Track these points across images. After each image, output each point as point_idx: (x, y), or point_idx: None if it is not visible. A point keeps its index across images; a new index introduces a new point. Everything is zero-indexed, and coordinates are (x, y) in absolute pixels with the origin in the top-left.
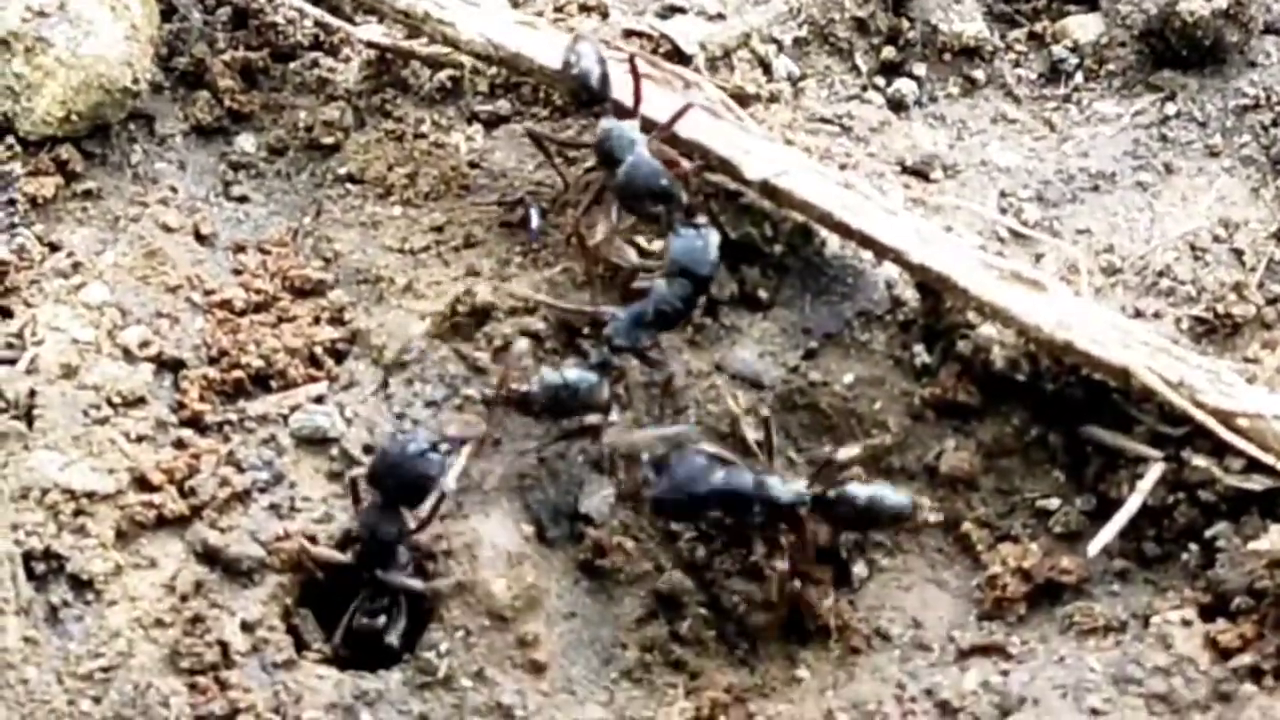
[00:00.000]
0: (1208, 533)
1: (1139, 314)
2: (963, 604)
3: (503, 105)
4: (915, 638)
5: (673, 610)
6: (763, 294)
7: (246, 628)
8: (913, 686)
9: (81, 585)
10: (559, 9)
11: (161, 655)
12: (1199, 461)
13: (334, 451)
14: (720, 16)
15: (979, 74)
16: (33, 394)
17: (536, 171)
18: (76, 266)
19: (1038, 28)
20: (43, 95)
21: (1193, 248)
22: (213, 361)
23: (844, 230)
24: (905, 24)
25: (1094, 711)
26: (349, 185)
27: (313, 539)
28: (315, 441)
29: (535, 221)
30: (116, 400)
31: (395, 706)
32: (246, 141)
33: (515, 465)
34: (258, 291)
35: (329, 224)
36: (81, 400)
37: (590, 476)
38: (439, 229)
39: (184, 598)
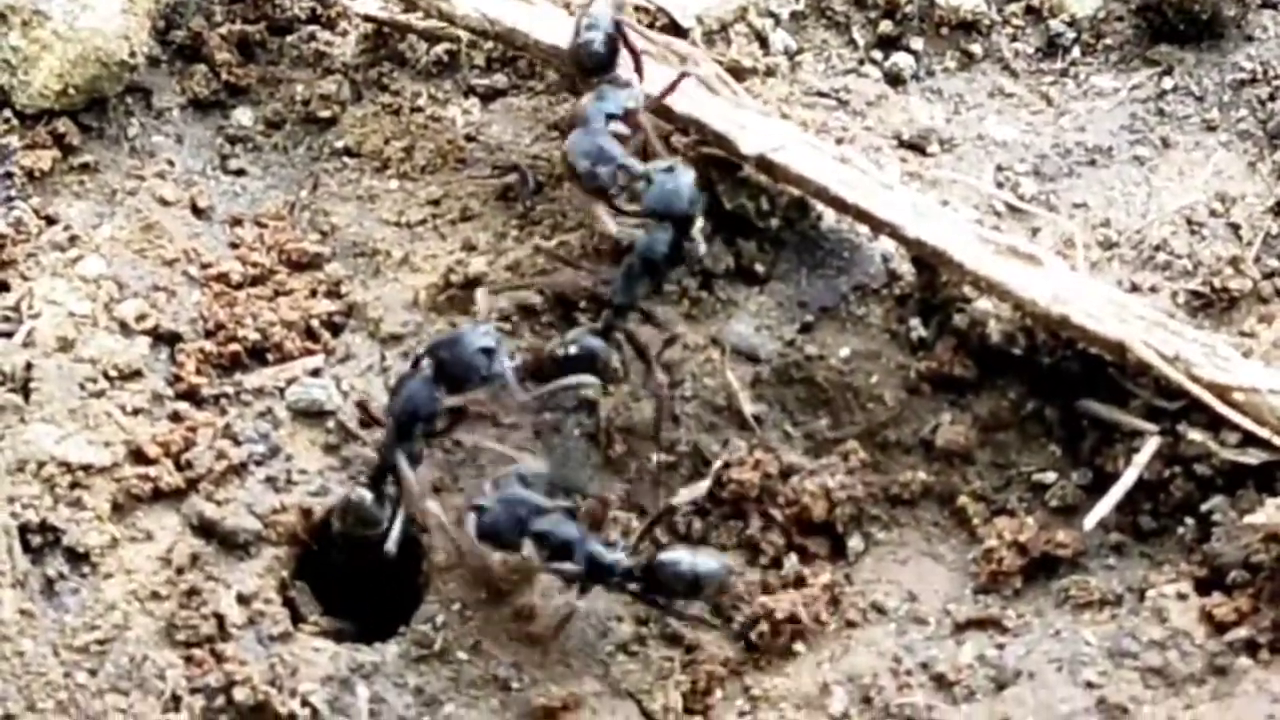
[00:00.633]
0: (1203, 507)
1: (1135, 288)
2: (959, 577)
3: (499, 79)
4: (911, 611)
5: None
6: (759, 268)
7: (242, 600)
8: (909, 660)
9: (77, 558)
10: None
11: (157, 628)
12: (1195, 435)
13: (330, 424)
14: None
15: (976, 48)
16: (29, 367)
17: (534, 145)
18: (73, 240)
19: (1035, 2)
20: (40, 68)
21: (1189, 222)
22: (209, 335)
23: (840, 204)
24: None
25: (1089, 685)
26: (346, 159)
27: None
28: (312, 414)
29: (529, 185)
30: (113, 373)
31: (391, 679)
32: (243, 115)
33: (511, 437)
34: (254, 265)
35: (326, 197)
36: (78, 373)
37: (586, 449)
38: (435, 202)
39: (180, 570)
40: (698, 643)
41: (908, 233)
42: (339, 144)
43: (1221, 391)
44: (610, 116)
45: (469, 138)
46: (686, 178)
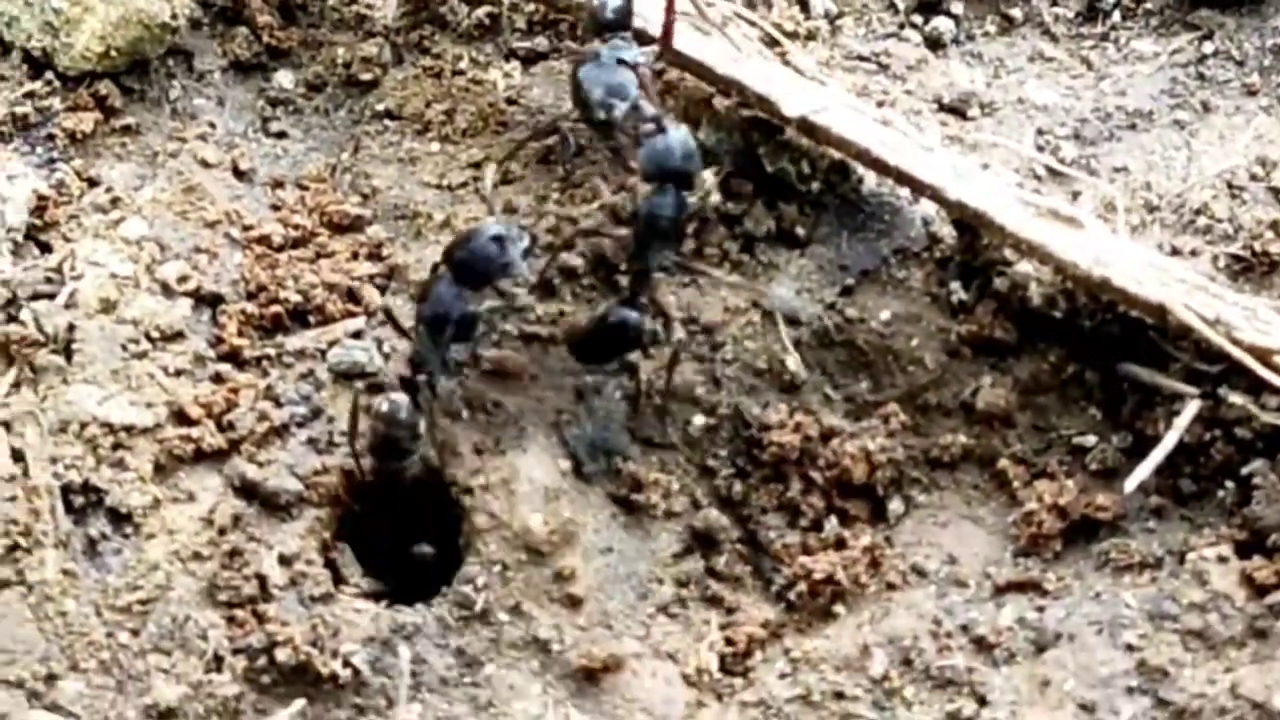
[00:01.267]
0: (1244, 470)
1: (1176, 251)
2: (999, 540)
3: (540, 42)
4: (951, 574)
5: (709, 546)
6: (800, 231)
7: (284, 561)
8: (949, 622)
9: (120, 519)
10: None
11: (199, 588)
12: (1235, 399)
13: (371, 386)
14: None
15: (1016, 12)
16: (72, 328)
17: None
18: (115, 202)
19: None
20: (82, 31)
21: (1230, 186)
22: (251, 296)
23: (881, 167)
24: None
25: (1129, 647)
26: (387, 121)
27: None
28: (353, 376)
29: (570, 148)
30: (155, 335)
31: (432, 640)
32: (285, 78)
33: (552, 401)
34: (296, 227)
35: (367, 160)
36: (120, 335)
37: (626, 412)
38: (476, 165)
39: (222, 531)
40: (738, 605)
41: (949, 195)
42: (380, 107)
43: (1262, 355)
44: (620, 62)
45: (510, 100)
46: (677, 135)
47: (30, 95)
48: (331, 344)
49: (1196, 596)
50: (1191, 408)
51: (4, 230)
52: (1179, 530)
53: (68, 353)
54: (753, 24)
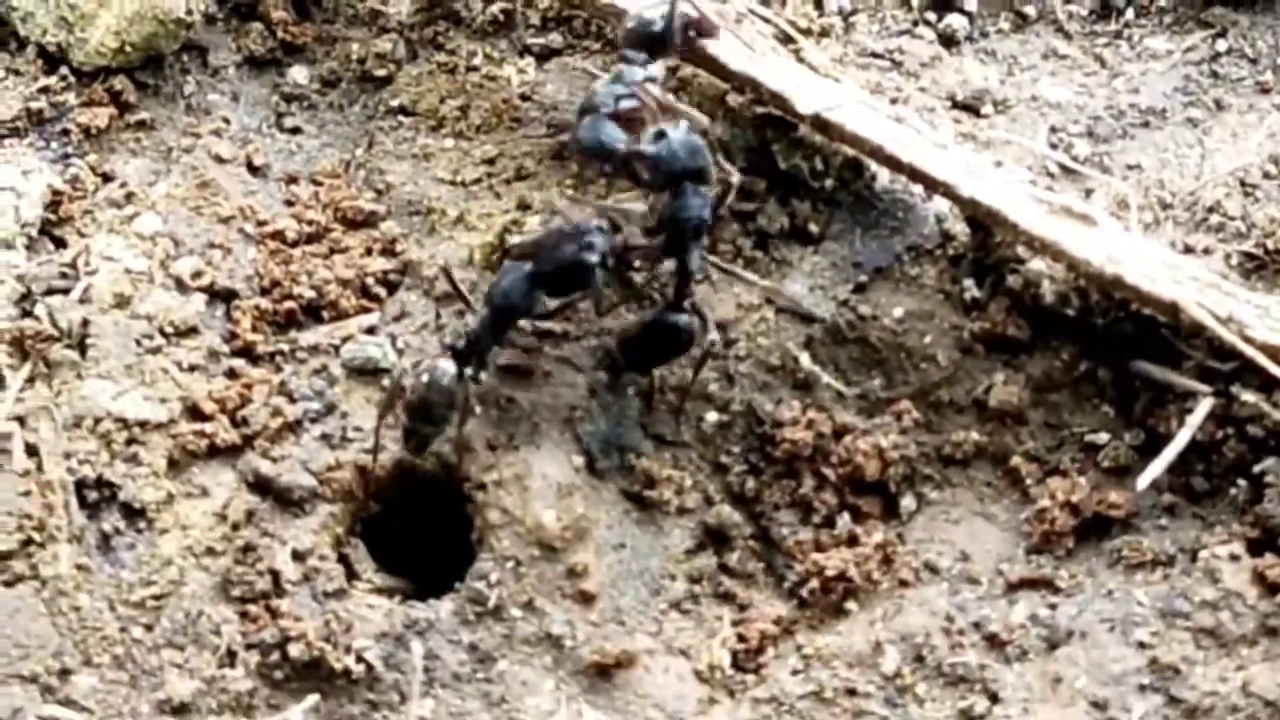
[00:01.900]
0: (1256, 468)
1: (1189, 249)
2: (1011, 537)
3: (555, 38)
4: (964, 570)
5: (721, 542)
6: (813, 228)
7: (298, 556)
8: (961, 619)
9: (134, 513)
10: None
11: (213, 583)
12: (1248, 397)
13: (385, 382)
14: None
15: (1030, 9)
16: (86, 323)
17: None
18: (130, 197)
19: None
20: (97, 26)
21: (1243, 184)
22: (265, 292)
23: (894, 164)
24: None
25: (1141, 645)
26: (401, 117)
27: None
28: (367, 372)
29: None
30: (169, 330)
31: (445, 636)
32: (299, 73)
33: (565, 397)
34: (310, 222)
35: (381, 156)
36: (134, 330)
37: (640, 408)
38: (490, 161)
39: (235, 526)
40: (750, 601)
41: (962, 192)
42: (394, 102)
43: (1275, 353)
44: (620, 97)
45: (524, 97)
46: (678, 136)
47: (45, 90)
48: (345, 340)
49: (1208, 594)
50: (1204, 405)
51: (19, 225)
52: (1191, 528)
53: (82, 348)
54: (767, 20)
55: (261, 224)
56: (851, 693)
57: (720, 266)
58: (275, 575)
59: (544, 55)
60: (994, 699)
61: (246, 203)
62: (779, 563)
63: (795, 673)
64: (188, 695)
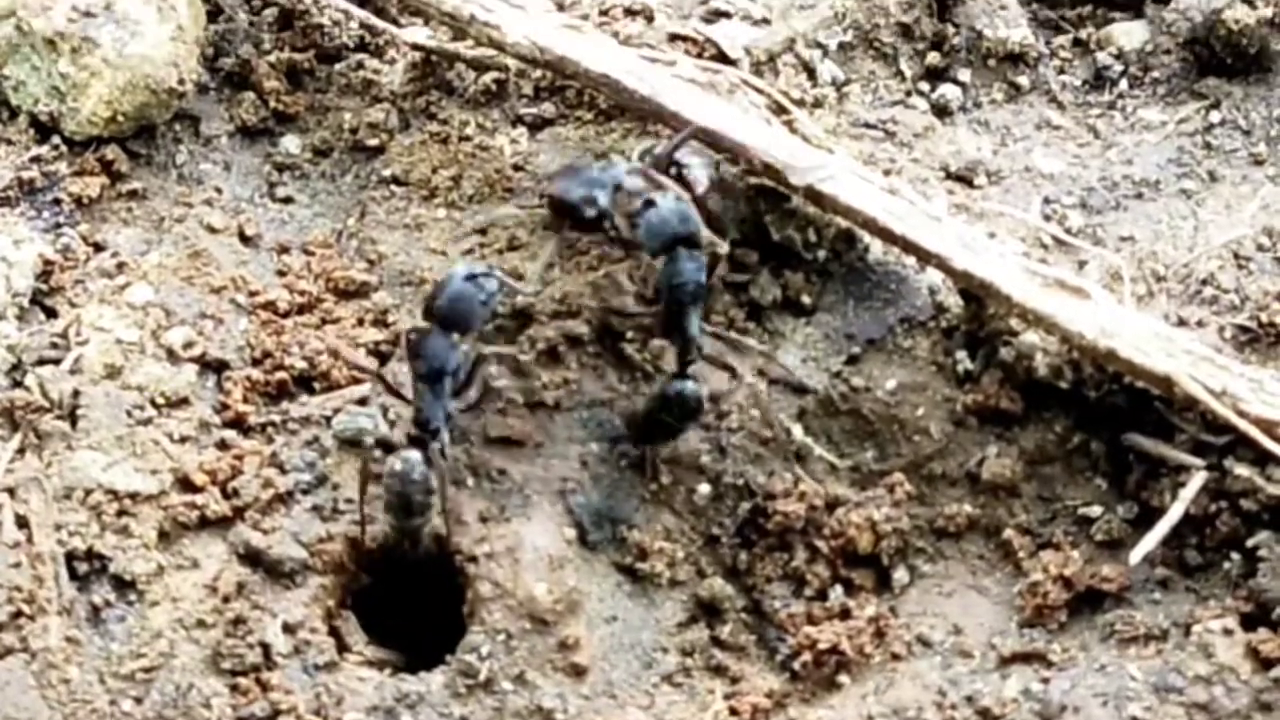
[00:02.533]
0: (1250, 542)
1: (1182, 322)
2: (1004, 611)
3: (547, 108)
4: (956, 644)
5: (713, 615)
6: (806, 299)
7: (288, 629)
8: (953, 693)
9: (124, 585)
10: (604, 12)
11: (203, 656)
12: (1241, 470)
13: (377, 454)
14: (765, 21)
15: (1023, 80)
16: (76, 394)
17: None
18: (121, 266)
19: (1082, 34)
20: (89, 95)
21: (1236, 256)
22: (256, 363)
23: (888, 236)
24: (950, 30)
25: None
26: (393, 187)
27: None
28: (358, 443)
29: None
30: (160, 401)
31: (436, 709)
32: (291, 143)
33: (557, 469)
34: (302, 293)
35: (373, 226)
36: (125, 400)
37: (632, 480)
38: (483, 231)
39: (226, 599)
40: (742, 674)
41: (955, 264)
42: (386, 172)
43: (1268, 426)
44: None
45: (517, 167)
46: (667, 202)
47: (37, 159)
48: (336, 411)
49: (1202, 669)
50: (1197, 479)
51: (10, 295)
52: (1184, 602)
53: (72, 418)
54: (760, 91)
55: (253, 294)
56: None
57: (714, 334)
58: (266, 648)
59: (536, 125)
60: None
61: (238, 273)
62: (771, 635)
63: None
64: None
